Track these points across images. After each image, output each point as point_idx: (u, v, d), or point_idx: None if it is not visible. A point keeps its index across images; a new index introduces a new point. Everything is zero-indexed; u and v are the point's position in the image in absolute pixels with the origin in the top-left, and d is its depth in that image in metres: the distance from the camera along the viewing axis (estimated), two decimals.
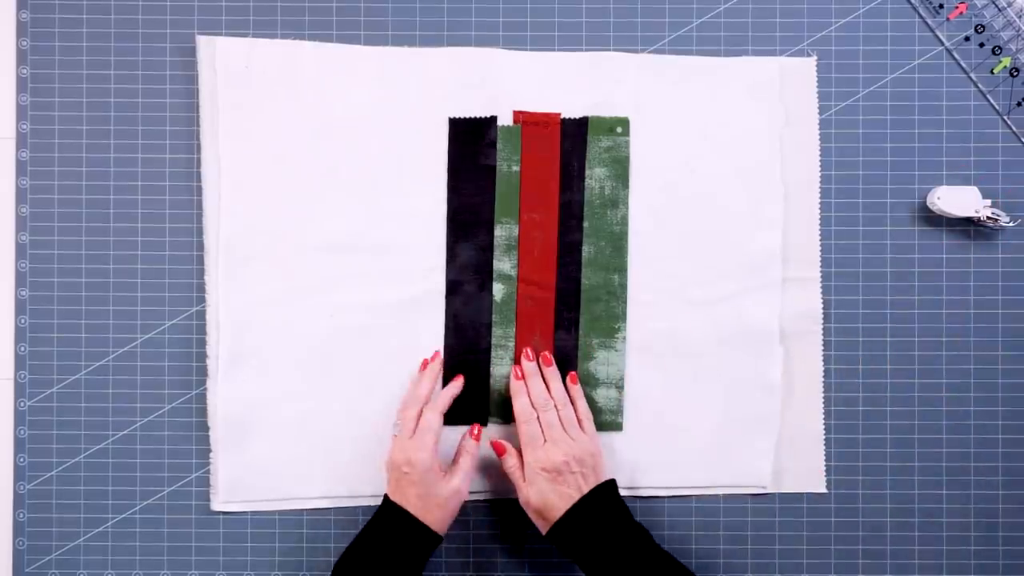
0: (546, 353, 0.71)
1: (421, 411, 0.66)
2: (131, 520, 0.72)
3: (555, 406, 0.68)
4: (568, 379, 0.70)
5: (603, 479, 0.66)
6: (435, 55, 0.72)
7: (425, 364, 0.70)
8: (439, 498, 0.64)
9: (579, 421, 0.68)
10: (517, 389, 0.69)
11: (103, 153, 0.72)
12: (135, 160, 0.72)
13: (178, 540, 0.72)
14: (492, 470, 0.71)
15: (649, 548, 0.63)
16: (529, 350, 0.70)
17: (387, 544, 0.63)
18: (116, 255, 0.72)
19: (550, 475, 0.65)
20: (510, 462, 0.68)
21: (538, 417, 0.67)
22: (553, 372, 0.70)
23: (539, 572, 0.73)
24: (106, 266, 0.72)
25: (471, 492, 0.70)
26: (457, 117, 0.71)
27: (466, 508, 0.72)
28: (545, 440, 0.66)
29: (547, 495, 0.64)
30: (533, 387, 0.69)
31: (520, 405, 0.68)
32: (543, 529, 0.66)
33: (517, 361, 0.71)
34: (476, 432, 0.69)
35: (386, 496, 0.66)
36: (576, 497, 0.64)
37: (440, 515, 0.65)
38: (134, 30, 0.72)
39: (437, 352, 0.71)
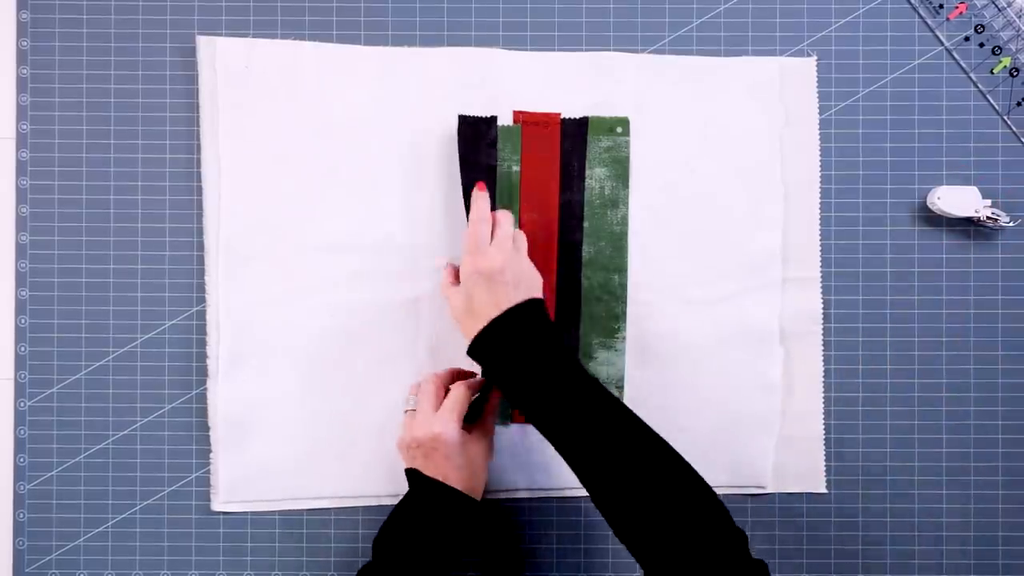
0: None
1: (445, 388, 0.65)
2: (131, 520, 0.72)
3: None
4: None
5: (533, 296, 0.63)
6: (435, 55, 0.72)
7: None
8: (475, 467, 0.64)
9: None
10: (477, 196, 0.66)
11: (103, 153, 0.72)
12: (135, 160, 0.72)
13: (178, 540, 0.72)
14: (491, 469, 0.71)
15: (576, 371, 0.60)
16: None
17: (433, 519, 0.62)
18: (116, 255, 0.72)
19: (486, 279, 0.62)
20: (447, 273, 0.67)
21: (493, 228, 0.65)
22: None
23: (539, 572, 0.73)
24: (106, 266, 0.72)
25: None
26: (465, 115, 0.71)
27: None
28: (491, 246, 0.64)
29: (474, 300, 0.62)
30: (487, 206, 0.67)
31: (479, 209, 0.65)
32: (468, 336, 0.63)
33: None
34: (493, 400, 0.68)
35: (415, 472, 0.64)
36: (504, 307, 0.61)
37: (476, 480, 0.64)
38: (134, 30, 0.72)
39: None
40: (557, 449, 0.59)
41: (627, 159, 0.72)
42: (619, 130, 0.72)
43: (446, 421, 0.63)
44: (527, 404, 0.60)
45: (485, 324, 0.61)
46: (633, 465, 0.56)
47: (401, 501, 0.64)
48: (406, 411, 0.66)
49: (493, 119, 0.71)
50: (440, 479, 0.63)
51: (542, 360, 0.60)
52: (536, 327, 0.62)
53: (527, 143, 0.72)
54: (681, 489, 0.56)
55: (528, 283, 0.64)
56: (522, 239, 0.67)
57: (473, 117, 0.71)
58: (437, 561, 0.61)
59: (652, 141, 0.72)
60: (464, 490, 0.63)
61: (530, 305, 0.62)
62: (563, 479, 0.72)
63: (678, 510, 0.55)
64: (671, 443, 0.59)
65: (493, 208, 0.71)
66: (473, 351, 0.62)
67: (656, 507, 0.55)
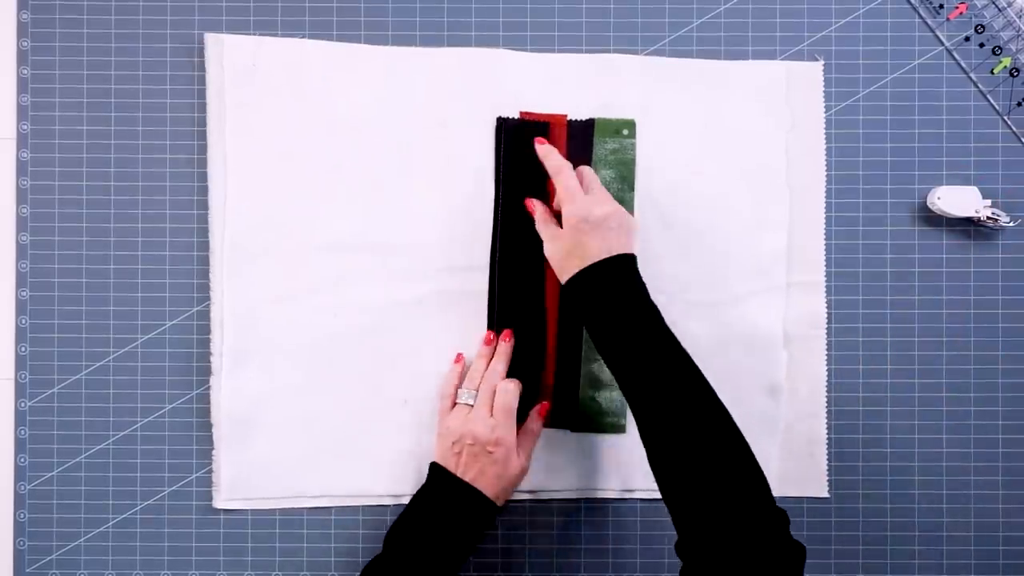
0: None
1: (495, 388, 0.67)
2: (132, 520, 0.72)
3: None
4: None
5: (629, 251, 0.64)
6: (441, 55, 0.72)
7: (489, 339, 0.70)
8: (512, 479, 0.65)
9: None
10: (545, 150, 0.68)
11: (104, 153, 0.72)
12: (136, 160, 0.72)
13: (179, 540, 0.72)
14: None
15: (664, 330, 0.61)
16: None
17: (452, 517, 0.63)
18: (116, 255, 0.72)
19: (591, 226, 0.63)
20: (543, 217, 0.67)
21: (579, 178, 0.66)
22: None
23: (539, 572, 0.73)
24: (106, 266, 0.72)
25: None
26: (506, 117, 0.72)
27: None
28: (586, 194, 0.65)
29: (586, 245, 0.63)
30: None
31: (553, 159, 0.67)
32: (562, 279, 0.64)
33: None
34: (542, 411, 0.70)
35: (444, 470, 0.64)
36: (602, 255, 0.62)
37: (506, 492, 0.65)
38: (135, 30, 0.72)
39: (508, 331, 0.71)
40: (626, 396, 0.60)
41: (633, 161, 0.72)
42: (625, 132, 0.72)
43: (510, 428, 0.65)
44: (610, 347, 0.61)
45: (590, 264, 0.62)
46: (692, 433, 0.56)
47: (420, 496, 0.65)
48: (457, 403, 0.67)
49: (546, 125, 0.71)
50: (471, 480, 0.63)
51: (634, 309, 0.61)
52: (632, 277, 0.62)
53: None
54: (733, 464, 0.56)
55: (630, 229, 0.65)
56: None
57: (516, 120, 0.71)
58: (451, 562, 0.62)
59: (658, 143, 0.72)
60: (492, 494, 0.64)
61: (629, 257, 0.63)
62: (567, 482, 0.73)
63: (726, 484, 0.55)
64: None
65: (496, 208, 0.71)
66: (571, 287, 0.63)
67: (705, 477, 0.55)
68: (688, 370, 0.59)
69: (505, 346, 0.70)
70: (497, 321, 0.71)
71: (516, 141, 0.71)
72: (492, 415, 0.65)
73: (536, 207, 0.69)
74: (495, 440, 0.64)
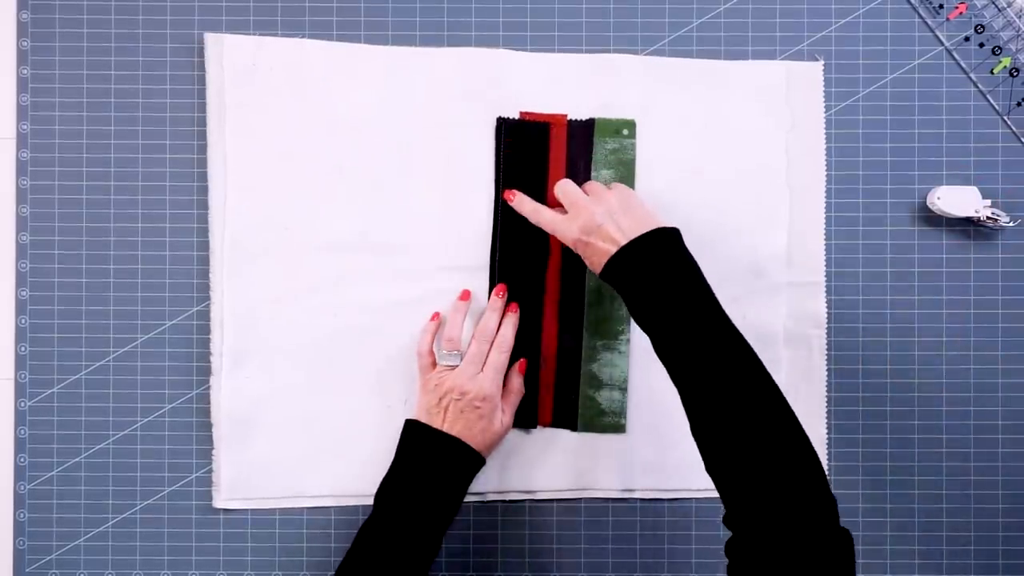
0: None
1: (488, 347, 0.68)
2: (131, 520, 0.72)
3: None
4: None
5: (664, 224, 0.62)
6: (442, 55, 0.72)
7: (467, 295, 0.71)
8: (497, 434, 0.67)
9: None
10: (519, 201, 0.69)
11: (103, 153, 0.72)
12: (135, 160, 0.72)
13: (178, 540, 0.72)
14: (492, 469, 0.71)
15: (714, 309, 0.59)
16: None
17: (442, 471, 0.64)
18: (116, 255, 0.72)
19: (620, 203, 0.63)
20: (547, 215, 0.67)
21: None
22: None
23: (539, 573, 0.73)
24: (106, 266, 0.72)
25: (472, 492, 0.70)
26: (506, 117, 0.71)
27: (467, 508, 0.72)
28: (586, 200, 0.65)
29: (618, 219, 0.62)
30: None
31: (528, 204, 0.68)
32: (598, 267, 0.62)
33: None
34: (522, 368, 0.71)
35: (425, 426, 0.65)
36: (650, 226, 0.61)
37: (491, 447, 0.67)
38: (134, 30, 0.72)
39: (502, 286, 0.71)
40: (672, 378, 0.58)
41: (633, 161, 0.72)
42: (625, 132, 0.72)
43: (498, 386, 0.67)
44: (657, 329, 0.59)
45: (626, 242, 0.61)
46: (745, 415, 0.55)
47: (401, 453, 0.66)
48: (439, 363, 0.68)
49: (547, 126, 0.71)
50: (457, 434, 0.65)
51: (680, 286, 0.59)
52: (678, 251, 0.61)
53: None
54: (785, 447, 0.55)
55: (653, 208, 0.65)
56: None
57: (517, 121, 0.71)
58: (442, 516, 0.63)
59: (658, 143, 0.72)
60: (478, 448, 0.65)
61: (672, 231, 0.62)
62: (567, 482, 0.73)
63: (777, 466, 0.54)
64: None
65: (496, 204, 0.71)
66: (614, 265, 0.61)
67: (756, 459, 0.54)
68: (745, 351, 0.58)
69: (497, 301, 0.70)
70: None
71: (516, 141, 0.71)
72: (482, 371, 0.67)
73: (518, 196, 0.69)
74: (483, 396, 0.66)
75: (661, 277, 0.59)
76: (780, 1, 0.73)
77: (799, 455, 0.55)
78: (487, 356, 0.68)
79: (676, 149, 0.73)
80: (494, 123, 0.72)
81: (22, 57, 0.72)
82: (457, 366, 0.68)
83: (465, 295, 0.71)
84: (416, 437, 0.66)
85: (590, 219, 0.62)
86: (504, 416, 0.68)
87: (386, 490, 0.64)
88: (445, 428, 0.65)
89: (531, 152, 0.71)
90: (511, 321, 0.70)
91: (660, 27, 0.73)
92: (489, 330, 0.69)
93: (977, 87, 0.74)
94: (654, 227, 0.61)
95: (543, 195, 0.71)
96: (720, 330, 0.58)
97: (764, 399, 0.56)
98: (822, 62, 0.73)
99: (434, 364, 0.69)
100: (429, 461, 0.64)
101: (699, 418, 0.57)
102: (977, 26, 0.73)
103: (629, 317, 0.72)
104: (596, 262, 0.63)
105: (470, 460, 0.65)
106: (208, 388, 0.72)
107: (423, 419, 0.67)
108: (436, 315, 0.71)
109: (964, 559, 0.74)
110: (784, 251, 0.73)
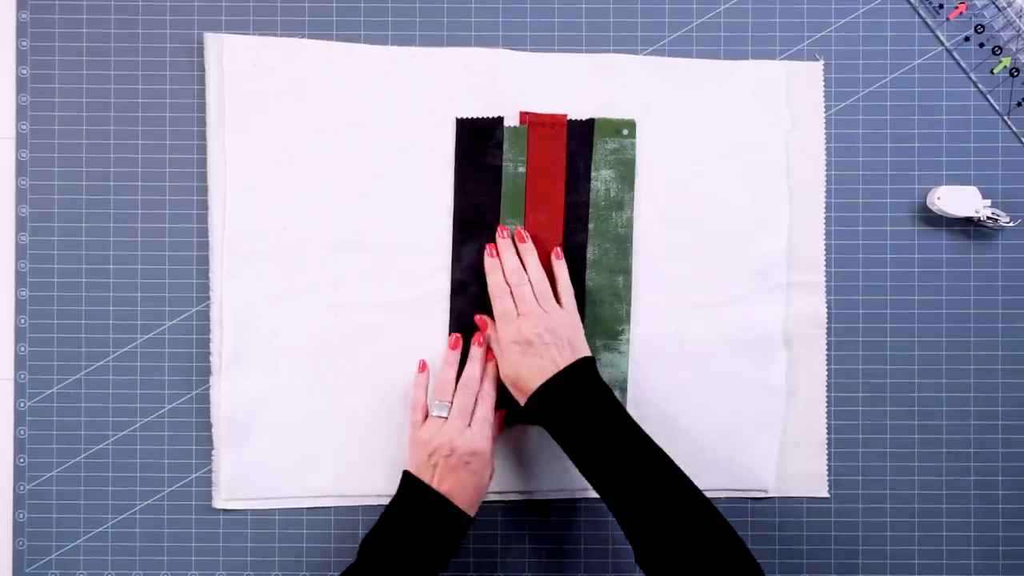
0: (521, 229, 0.71)
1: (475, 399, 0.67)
2: (131, 520, 0.72)
3: (529, 281, 0.68)
4: (553, 255, 0.70)
5: (581, 355, 0.65)
6: (443, 55, 0.72)
7: (454, 343, 0.70)
8: (486, 487, 0.66)
9: (558, 296, 0.68)
10: (491, 266, 0.69)
11: (103, 153, 0.72)
12: (135, 160, 0.72)
13: (178, 540, 0.72)
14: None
15: (624, 424, 0.62)
16: (503, 229, 0.70)
17: (426, 531, 0.62)
18: (116, 255, 0.72)
19: (521, 347, 0.64)
20: (492, 336, 0.68)
21: (512, 292, 0.67)
22: (528, 248, 0.70)
23: (540, 573, 0.73)
24: (106, 266, 0.72)
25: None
26: (464, 117, 0.71)
27: None
28: (519, 314, 0.66)
29: (519, 367, 0.64)
30: (507, 262, 0.69)
31: (494, 281, 0.68)
32: (521, 401, 0.65)
33: (492, 241, 0.71)
34: (499, 417, 0.70)
35: (419, 481, 0.64)
36: (552, 371, 0.63)
37: (478, 502, 0.65)
38: (134, 30, 0.72)
39: (484, 326, 0.70)
40: (603, 494, 0.61)
41: (633, 161, 0.72)
42: (625, 132, 0.72)
43: (488, 440, 0.65)
44: (584, 459, 0.62)
45: (535, 388, 0.63)
46: (676, 524, 0.58)
47: (393, 505, 0.64)
48: (430, 415, 0.67)
49: (500, 120, 0.71)
50: (446, 491, 0.63)
51: (597, 417, 0.62)
52: (584, 387, 0.63)
53: (533, 144, 0.72)
54: (707, 527, 0.58)
55: (568, 336, 0.65)
56: (566, 293, 0.69)
57: (476, 119, 0.71)
58: (425, 573, 0.62)
59: (658, 143, 0.72)
60: (467, 506, 0.64)
61: (580, 365, 0.64)
62: (567, 482, 0.73)
63: (702, 542, 0.57)
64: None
65: (495, 217, 0.71)
66: (531, 406, 0.64)
67: (682, 540, 0.57)
68: (661, 457, 0.61)
69: (477, 350, 0.69)
70: (454, 328, 0.71)
71: (470, 140, 0.71)
72: (470, 426, 0.65)
73: (487, 325, 0.70)
74: (472, 451, 0.64)
75: (580, 410, 0.62)
76: (780, 1, 0.73)
77: (721, 533, 0.58)
78: (474, 409, 0.67)
79: (676, 149, 0.73)
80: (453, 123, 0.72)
81: (21, 57, 0.72)
82: (446, 419, 0.66)
83: (453, 343, 0.70)
84: (408, 492, 0.64)
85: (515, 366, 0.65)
86: (491, 467, 0.66)
87: (372, 541, 0.63)
88: (435, 485, 0.63)
89: (485, 154, 0.71)
90: (491, 373, 0.69)
91: (660, 27, 0.73)
92: (474, 381, 0.68)
93: (977, 87, 0.74)
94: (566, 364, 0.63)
95: (496, 198, 0.71)
96: (645, 450, 0.61)
97: (683, 493, 0.59)
98: (822, 62, 0.73)
99: (426, 417, 0.68)
100: (416, 519, 0.63)
101: (633, 527, 0.59)
102: (977, 26, 0.73)
103: (630, 317, 0.72)
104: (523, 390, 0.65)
105: (456, 520, 0.63)
106: (208, 388, 0.72)
107: (413, 472, 0.65)
108: (424, 365, 0.70)
109: (964, 559, 0.74)
110: (784, 251, 0.73)
